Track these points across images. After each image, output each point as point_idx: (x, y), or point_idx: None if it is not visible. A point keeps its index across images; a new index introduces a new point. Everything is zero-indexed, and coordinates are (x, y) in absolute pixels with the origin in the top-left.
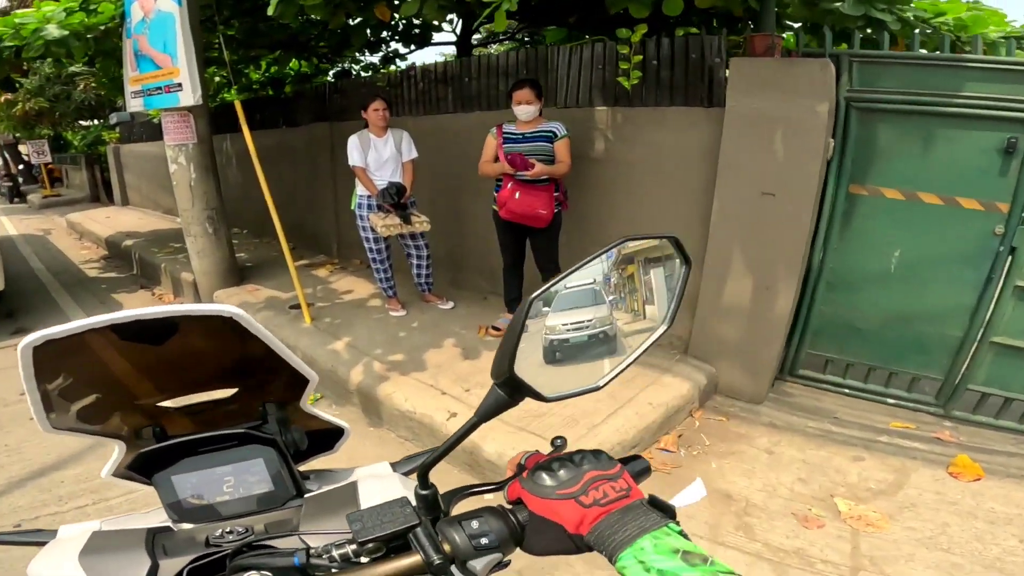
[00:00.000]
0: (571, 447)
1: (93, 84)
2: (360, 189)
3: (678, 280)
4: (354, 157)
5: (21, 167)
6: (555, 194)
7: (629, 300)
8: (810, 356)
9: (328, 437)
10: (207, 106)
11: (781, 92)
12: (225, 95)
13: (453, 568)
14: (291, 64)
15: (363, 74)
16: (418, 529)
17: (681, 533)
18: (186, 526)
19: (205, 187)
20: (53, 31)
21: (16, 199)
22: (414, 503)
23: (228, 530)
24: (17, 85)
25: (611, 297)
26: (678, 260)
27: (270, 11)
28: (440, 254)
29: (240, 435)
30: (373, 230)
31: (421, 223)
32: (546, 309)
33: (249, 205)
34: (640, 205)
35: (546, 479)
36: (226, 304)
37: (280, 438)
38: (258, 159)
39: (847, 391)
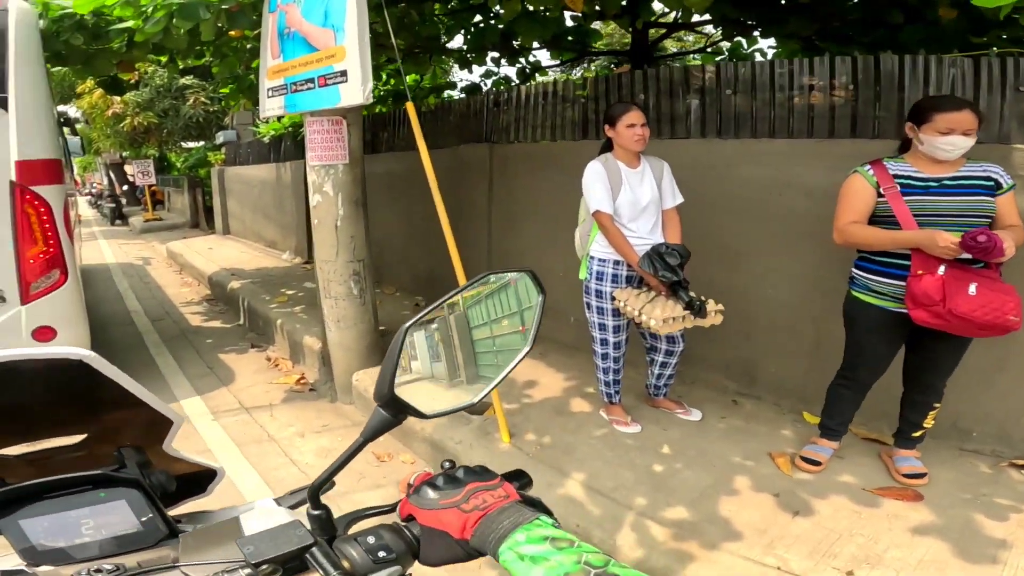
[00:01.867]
0: None
1: (203, 99)
2: (599, 248)
3: (536, 308)
4: (599, 196)
5: (125, 188)
6: None
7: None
8: None
9: (199, 480)
10: (361, 112)
11: None
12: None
13: None
14: (410, 76)
15: (495, 89)
16: (314, 549)
17: (554, 524)
18: (44, 569)
19: (353, 230)
20: None
21: (118, 221)
22: (308, 526)
23: (96, 568)
24: (126, 84)
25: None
26: (536, 289)
27: None
28: None
29: (96, 478)
30: (615, 313)
31: (715, 314)
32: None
33: None
34: None
35: (430, 493)
36: (72, 346)
37: (144, 480)
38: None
39: None
